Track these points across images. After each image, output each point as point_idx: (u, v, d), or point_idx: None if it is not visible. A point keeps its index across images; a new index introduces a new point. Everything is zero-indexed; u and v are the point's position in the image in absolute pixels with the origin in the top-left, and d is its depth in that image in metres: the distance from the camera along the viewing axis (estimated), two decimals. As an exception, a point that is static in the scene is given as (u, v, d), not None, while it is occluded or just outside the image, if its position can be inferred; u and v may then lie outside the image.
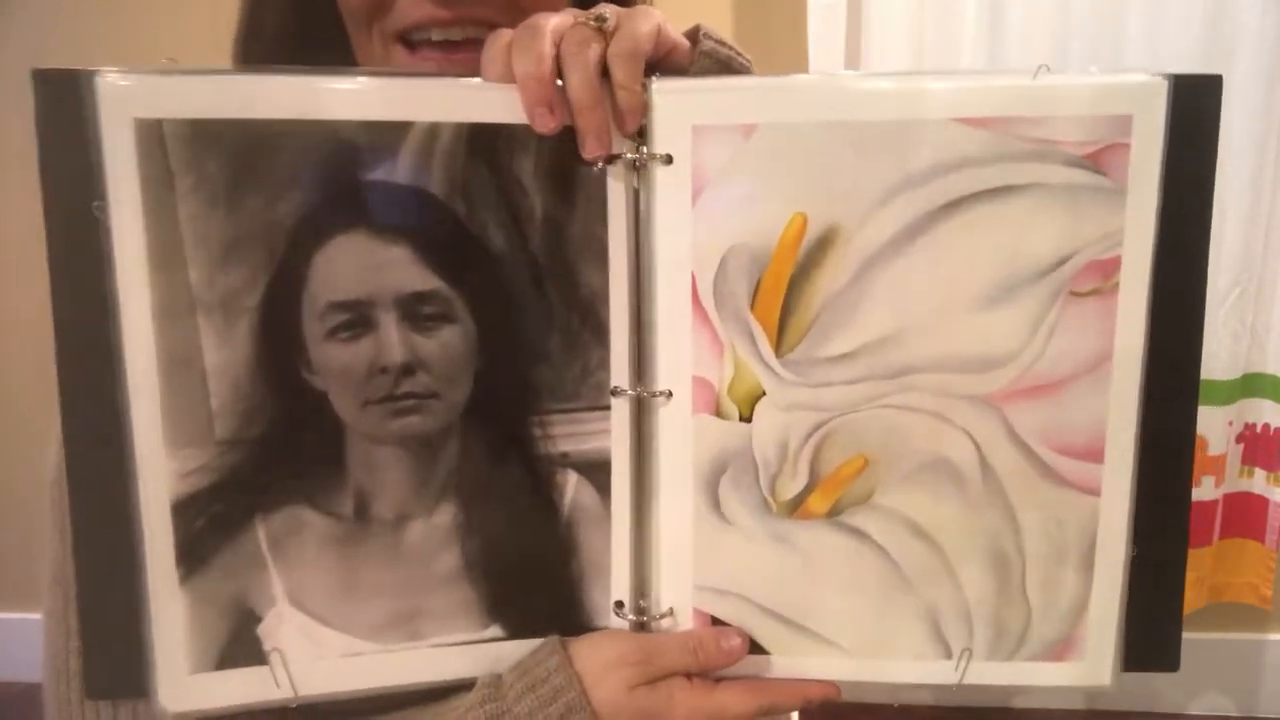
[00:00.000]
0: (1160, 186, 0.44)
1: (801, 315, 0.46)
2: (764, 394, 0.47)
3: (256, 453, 0.45)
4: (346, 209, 0.44)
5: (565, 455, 0.48)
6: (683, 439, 0.47)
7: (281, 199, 0.43)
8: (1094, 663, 0.48)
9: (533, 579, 0.49)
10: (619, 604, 0.49)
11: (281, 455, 0.45)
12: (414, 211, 0.45)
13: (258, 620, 0.46)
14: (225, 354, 0.43)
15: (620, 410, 0.47)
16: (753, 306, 0.46)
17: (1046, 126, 0.43)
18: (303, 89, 0.43)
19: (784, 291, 0.46)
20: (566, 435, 0.48)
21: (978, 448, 0.46)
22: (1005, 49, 1.24)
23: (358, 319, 0.45)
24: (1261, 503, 1.30)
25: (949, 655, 0.48)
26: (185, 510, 0.44)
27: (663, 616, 0.49)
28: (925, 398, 0.46)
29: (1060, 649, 0.48)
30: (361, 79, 0.45)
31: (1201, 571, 1.33)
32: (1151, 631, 0.49)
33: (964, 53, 1.25)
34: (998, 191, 0.44)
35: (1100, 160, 0.43)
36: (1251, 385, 1.26)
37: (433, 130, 0.44)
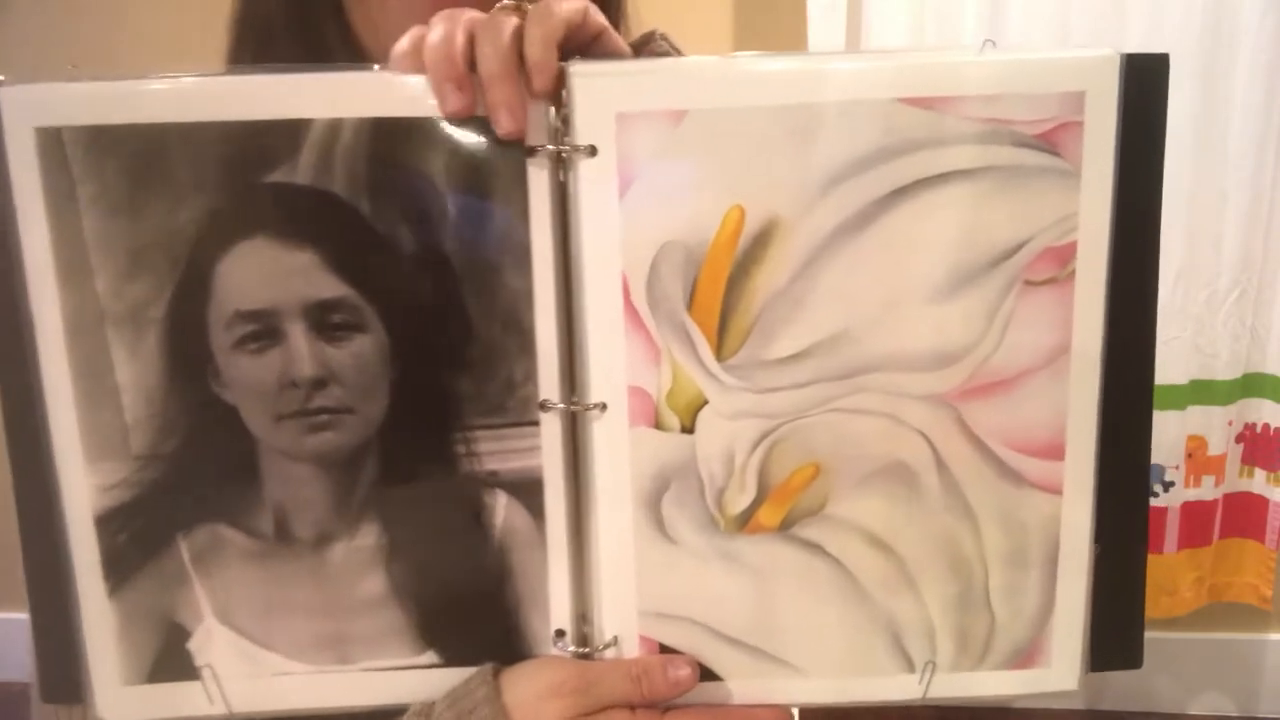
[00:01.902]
0: (1115, 168, 0.41)
1: (742, 316, 0.42)
2: (706, 402, 0.43)
3: (173, 468, 0.43)
4: (247, 214, 0.42)
5: (493, 474, 0.44)
6: (620, 455, 0.44)
7: (182, 205, 0.42)
8: (1060, 667, 0.46)
9: (466, 605, 0.45)
10: (559, 633, 0.45)
11: (197, 471, 0.44)
12: (317, 214, 0.42)
13: (187, 635, 0.45)
14: (136, 367, 0.43)
15: (551, 426, 0.44)
16: (690, 308, 0.42)
17: (996, 105, 0.40)
18: (197, 91, 0.41)
19: (723, 291, 0.42)
20: (493, 453, 0.44)
21: (933, 449, 0.43)
22: (1006, 50, 1.24)
23: (265, 330, 0.42)
24: (1261, 503, 1.29)
25: (911, 669, 0.46)
26: (108, 524, 0.44)
27: (606, 646, 0.45)
28: (877, 399, 0.43)
29: (1026, 655, 0.46)
30: (257, 77, 0.42)
31: (1201, 571, 1.32)
32: (1116, 630, 0.47)
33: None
34: (947, 176, 0.41)
35: (1053, 140, 0.41)
36: (1251, 385, 1.26)
37: (333, 127, 0.41)
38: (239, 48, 0.58)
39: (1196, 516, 1.29)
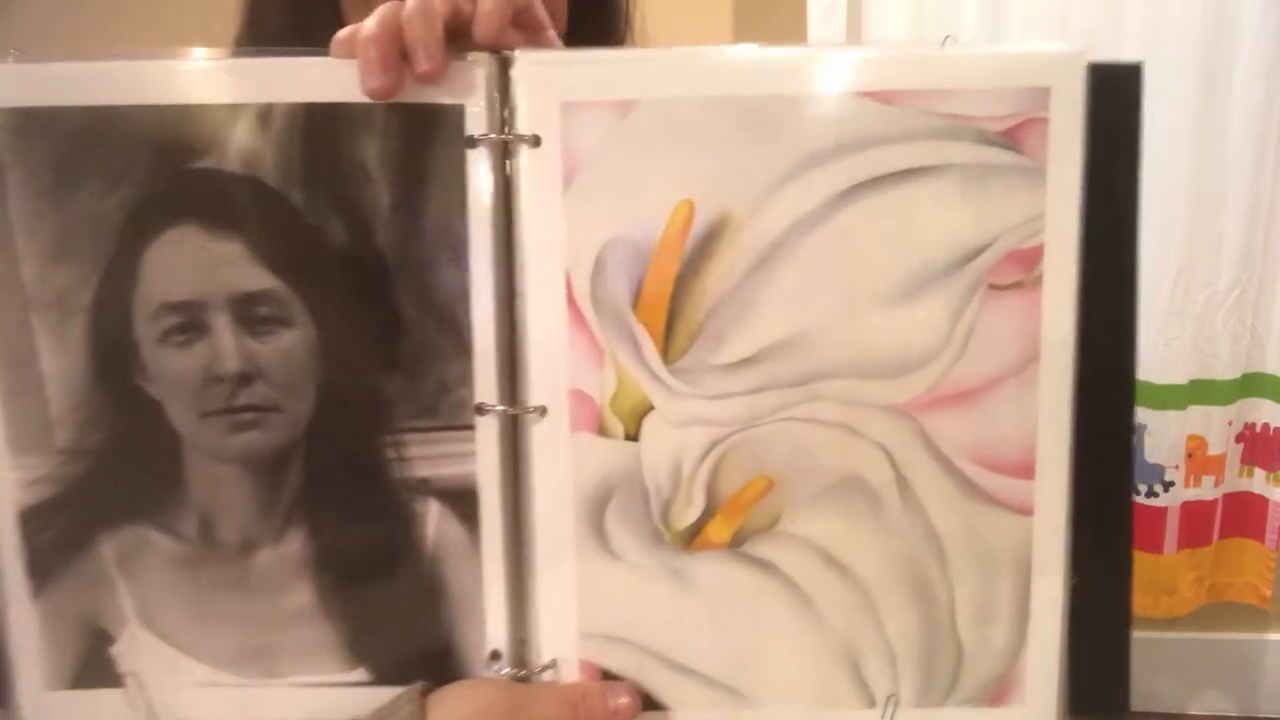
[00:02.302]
0: (1084, 169, 0.39)
1: (691, 317, 0.40)
2: (652, 408, 0.41)
3: (97, 465, 0.42)
4: (176, 201, 0.40)
5: (425, 481, 0.42)
6: (560, 463, 0.41)
7: (111, 191, 0.40)
8: (1035, 707, 0.42)
9: (397, 621, 0.43)
10: (494, 654, 0.42)
11: (122, 469, 0.42)
12: (246, 202, 0.40)
13: (111, 640, 0.43)
14: (61, 357, 0.41)
15: (486, 430, 0.41)
16: (635, 308, 0.40)
17: (958, 100, 0.38)
18: (128, 75, 0.40)
19: (670, 290, 0.40)
20: (425, 458, 0.42)
21: (894, 464, 0.41)
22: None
23: (190, 322, 0.41)
24: (1261, 502, 1.28)
25: (872, 703, 0.42)
26: (31, 521, 0.42)
27: (544, 669, 0.42)
28: (834, 408, 0.40)
29: (997, 692, 0.42)
30: (189, 61, 0.40)
31: (1201, 571, 1.30)
32: (1097, 669, 0.44)
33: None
34: (907, 173, 0.39)
35: (1017, 137, 0.39)
36: (1251, 385, 1.25)
37: (266, 113, 0.40)
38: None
39: (1196, 516, 1.27)
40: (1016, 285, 0.39)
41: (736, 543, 0.41)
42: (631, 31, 0.63)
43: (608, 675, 0.42)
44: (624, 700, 0.41)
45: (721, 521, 0.41)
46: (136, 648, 0.43)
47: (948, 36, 0.39)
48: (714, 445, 0.41)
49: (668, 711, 0.42)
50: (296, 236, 0.40)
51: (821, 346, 0.40)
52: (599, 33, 0.60)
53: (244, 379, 0.41)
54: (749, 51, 0.39)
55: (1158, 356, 1.21)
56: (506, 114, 0.40)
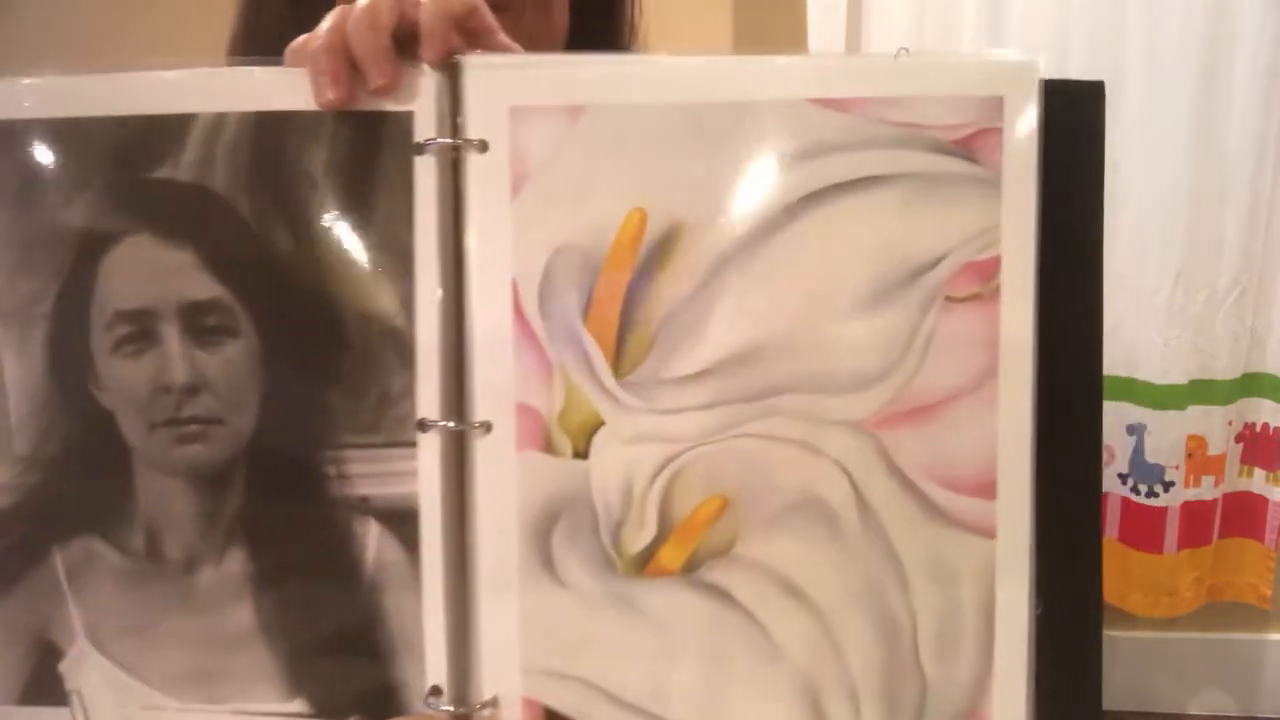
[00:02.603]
0: (1039, 178, 0.39)
1: (643, 329, 0.39)
2: (602, 424, 0.39)
3: (52, 474, 0.42)
4: (131, 211, 0.40)
5: (365, 500, 0.40)
6: (505, 482, 0.39)
7: (70, 201, 0.41)
8: (1003, 744, 0.40)
9: (337, 649, 0.41)
10: (434, 690, 0.40)
11: (75, 479, 0.41)
12: (197, 212, 0.40)
13: (60, 656, 0.42)
14: (22, 364, 0.41)
15: (428, 447, 0.39)
16: (586, 319, 0.39)
17: (911, 108, 0.38)
18: (87, 87, 0.40)
19: (621, 301, 0.39)
20: (366, 476, 0.40)
21: (853, 483, 0.39)
22: (1006, 53, 1.24)
23: (142, 331, 0.40)
24: (1261, 502, 1.28)
25: (832, 741, 0.40)
26: None
27: (483, 706, 0.39)
28: (790, 424, 0.39)
29: (963, 729, 0.40)
30: (143, 72, 0.40)
31: (1201, 571, 1.29)
32: (1069, 706, 0.42)
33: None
34: (861, 182, 0.38)
35: (971, 146, 0.38)
36: (1251, 385, 1.25)
37: (217, 122, 0.40)
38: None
39: (1196, 516, 1.26)
40: (974, 297, 0.39)
41: (690, 568, 0.39)
42: (636, 39, 0.63)
43: (551, 715, 0.40)
44: (569, 741, 0.39)
45: (674, 546, 0.39)
46: (83, 664, 0.42)
47: (901, 49, 0.39)
48: (667, 463, 0.39)
49: (617, 752, 0.39)
50: (242, 245, 0.40)
51: (777, 360, 0.39)
52: (604, 42, 0.60)
53: (190, 390, 0.40)
54: (700, 59, 0.39)
55: (1158, 356, 1.20)
56: (459, 120, 0.39)
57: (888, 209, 0.38)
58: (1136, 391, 1.23)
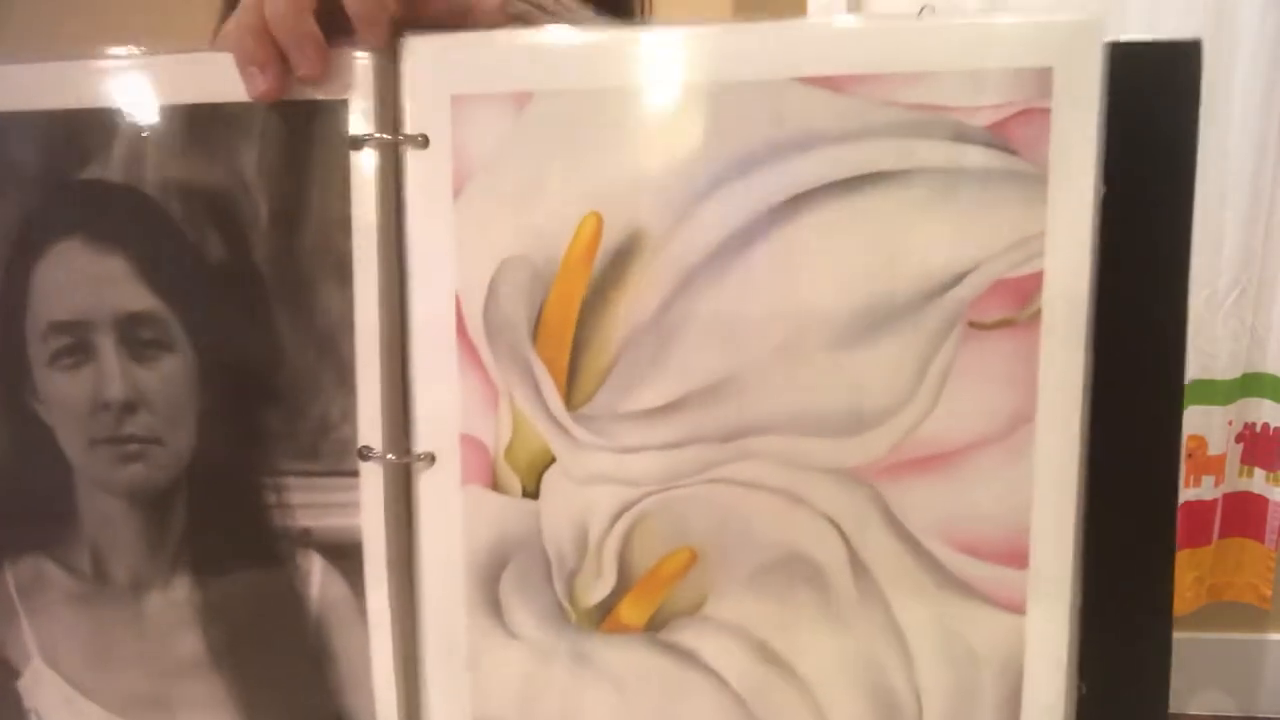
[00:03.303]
0: (1101, 170, 0.30)
1: (599, 353, 0.33)
2: (553, 460, 0.34)
3: (1, 490, 0.40)
4: (62, 214, 0.38)
5: (307, 532, 0.36)
6: (450, 520, 0.35)
7: (3, 204, 0.38)
8: None
9: (286, 682, 0.38)
10: (383, 736, 0.37)
11: (20, 497, 0.40)
12: (128, 216, 0.37)
13: (17, 675, 0.41)
14: None
15: (371, 478, 0.35)
16: (535, 341, 0.34)
17: (929, 86, 0.30)
18: (11, 78, 0.37)
19: (575, 320, 0.33)
20: (306, 506, 0.36)
21: (846, 541, 0.33)
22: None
23: (78, 343, 0.38)
24: (1261, 502, 1.28)
25: (822, 829, 0.34)
26: None
27: (434, 757, 0.36)
28: (772, 469, 0.33)
29: (979, 827, 0.34)
30: (68, 62, 0.37)
31: (1201, 571, 1.30)
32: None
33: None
34: (862, 180, 0.31)
35: (1008, 133, 0.30)
36: (1251, 385, 1.25)
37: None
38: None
39: (1196, 516, 1.26)
40: (1005, 324, 0.31)
41: (654, 627, 0.34)
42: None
43: (506, 769, 0.36)
44: (519, 804, 0.35)
45: (636, 600, 0.34)
46: (40, 684, 0.40)
47: (924, 6, 0.31)
48: (626, 508, 0.34)
49: (575, 818, 0.36)
50: (176, 253, 0.36)
51: (756, 394, 0.32)
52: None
53: (129, 407, 0.37)
54: (663, 32, 0.32)
55: None
56: (400, 111, 0.34)
57: (897, 213, 0.31)
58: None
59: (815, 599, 0.33)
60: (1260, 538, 1.30)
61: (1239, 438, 1.28)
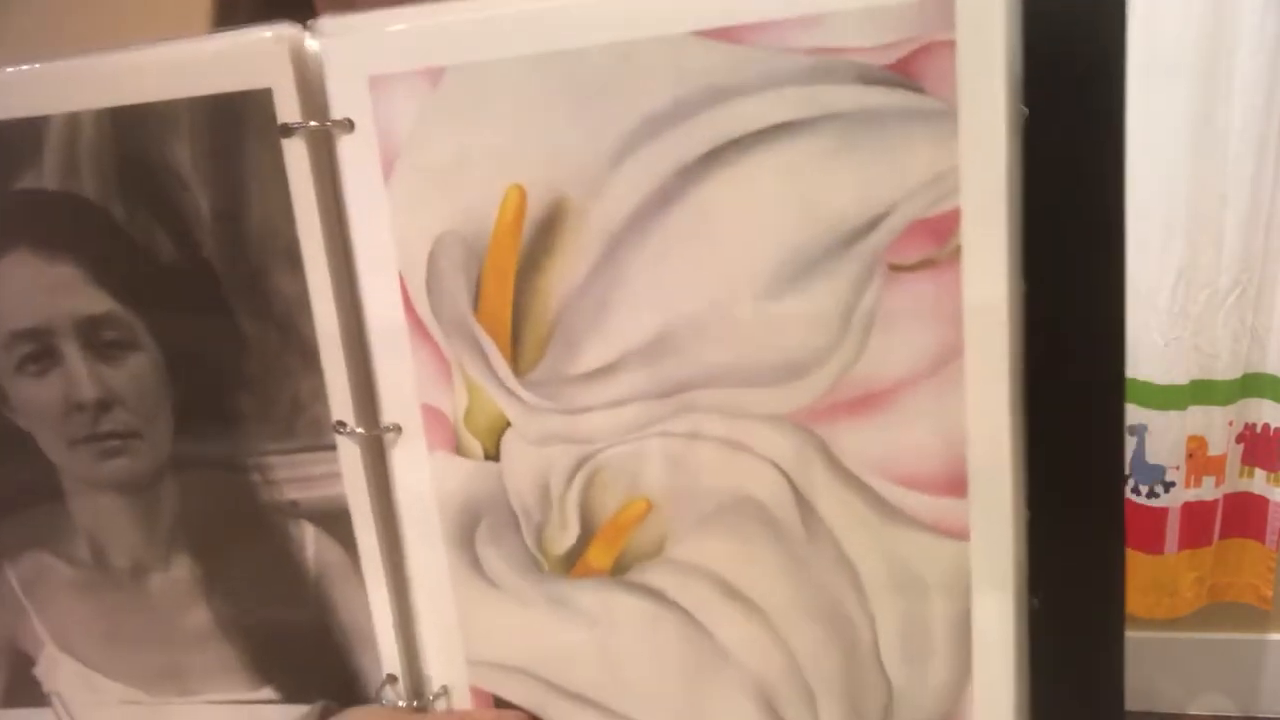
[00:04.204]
0: (1016, 96, 0.29)
1: (538, 320, 0.34)
2: (509, 424, 0.36)
3: None
4: (5, 226, 0.39)
5: (294, 504, 0.39)
6: (422, 484, 0.37)
7: None
8: (990, 750, 0.36)
9: (294, 642, 0.41)
10: (390, 678, 0.40)
11: (8, 500, 0.42)
12: (71, 222, 0.38)
13: (32, 662, 0.44)
14: None
15: (348, 450, 0.38)
16: (477, 311, 0.35)
17: (827, 29, 0.29)
18: None
19: (512, 290, 0.34)
20: (291, 480, 0.39)
21: (790, 483, 0.34)
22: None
23: (42, 350, 0.39)
24: (1262, 503, 1.27)
25: (793, 741, 0.37)
26: None
27: (436, 697, 0.39)
28: (713, 421, 0.34)
29: (942, 733, 0.36)
30: None
31: (1202, 571, 1.29)
32: (1078, 704, 0.36)
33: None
34: (771, 130, 0.31)
35: (912, 70, 0.29)
36: (1251, 385, 1.23)
37: (72, 122, 0.37)
38: None
39: (1197, 517, 1.26)
40: (926, 264, 0.31)
41: (620, 570, 0.36)
42: None
43: (500, 703, 0.39)
44: (514, 728, 0.38)
45: (601, 546, 0.36)
46: (56, 669, 0.43)
47: (824, -59, 0.30)
48: (581, 464, 0.35)
49: (569, 742, 0.39)
50: (125, 254, 0.38)
51: (689, 350, 0.33)
52: None
53: (103, 405, 0.39)
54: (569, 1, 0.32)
55: (1158, 357, 1.20)
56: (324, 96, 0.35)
57: (808, 162, 0.31)
58: (1137, 392, 1.22)
59: (767, 537, 0.35)
60: (1261, 538, 1.29)
61: (1239, 438, 1.27)
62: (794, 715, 0.36)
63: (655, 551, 0.36)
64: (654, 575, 0.36)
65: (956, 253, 0.30)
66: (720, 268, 0.32)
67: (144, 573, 0.42)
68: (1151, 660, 1.41)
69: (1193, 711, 1.44)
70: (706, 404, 0.34)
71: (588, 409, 0.35)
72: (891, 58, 0.29)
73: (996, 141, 0.29)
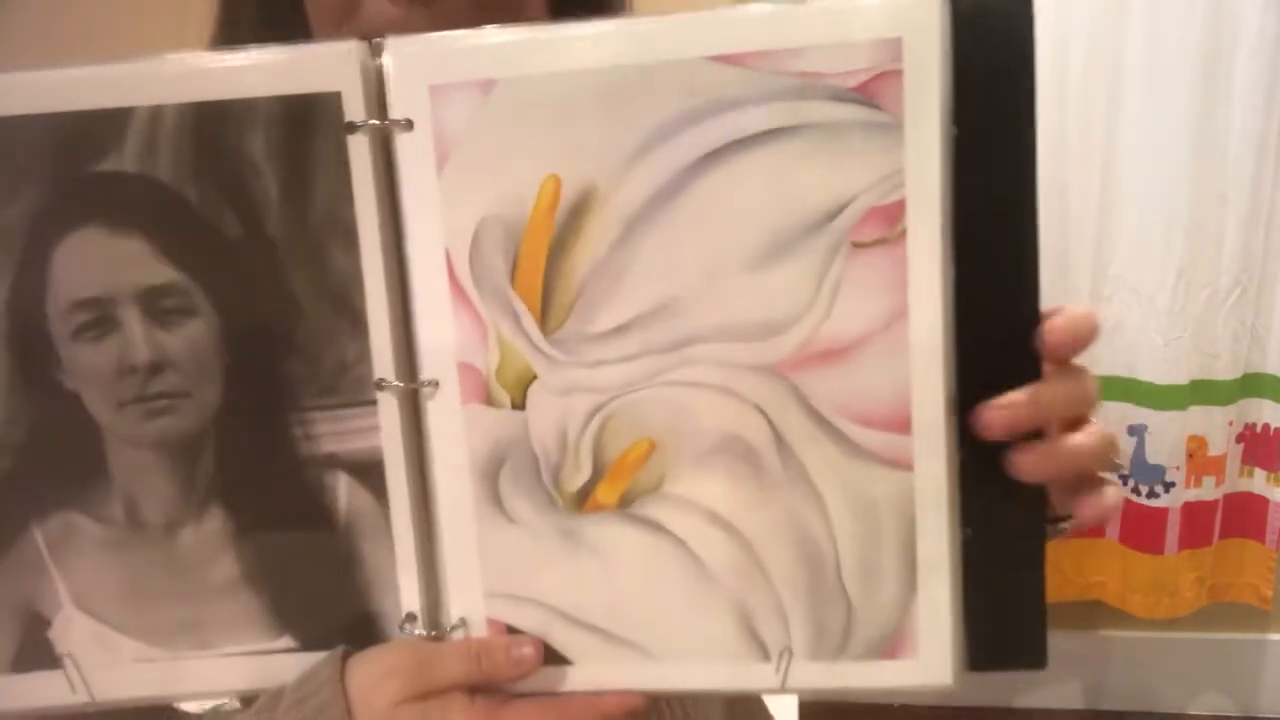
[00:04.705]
0: (951, 121, 0.38)
1: (565, 289, 0.41)
2: (535, 377, 0.42)
3: (23, 457, 0.44)
4: (78, 204, 0.43)
5: (332, 456, 0.44)
6: (455, 432, 0.43)
7: (14, 198, 0.43)
8: (930, 660, 0.43)
9: (317, 589, 0.46)
10: (410, 616, 0.45)
11: (47, 460, 0.45)
12: (144, 202, 0.43)
13: (47, 624, 0.45)
14: None
15: (387, 405, 0.43)
16: (513, 282, 0.42)
17: (807, 58, 0.38)
18: (21, 85, 0.42)
19: (544, 264, 0.41)
20: (330, 434, 0.44)
21: (770, 424, 0.41)
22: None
23: (101, 317, 0.43)
24: (1261, 503, 1.28)
25: (767, 657, 0.43)
26: None
27: (454, 629, 0.45)
28: (708, 371, 0.41)
29: (891, 646, 0.43)
30: (77, 69, 0.42)
31: (1202, 571, 1.31)
32: (1004, 624, 0.44)
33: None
34: (762, 136, 0.39)
35: (871, 91, 0.38)
36: (1251, 385, 1.25)
37: (155, 114, 0.42)
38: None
39: (1197, 517, 1.27)
40: (880, 242, 0.39)
41: (625, 504, 0.43)
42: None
43: (513, 631, 0.44)
44: (526, 651, 0.44)
45: (609, 484, 0.43)
46: (71, 629, 0.45)
47: (806, -8, 0.39)
48: (596, 411, 0.42)
49: (571, 665, 0.44)
50: (193, 231, 0.43)
51: (690, 313, 0.41)
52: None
53: (155, 368, 0.43)
54: (600, 26, 0.40)
55: (1158, 356, 1.21)
56: (386, 99, 0.42)
57: (789, 161, 0.39)
58: (1137, 392, 1.22)
59: (750, 472, 0.42)
60: (1261, 538, 1.30)
61: (1239, 438, 1.27)
62: (769, 630, 0.43)
63: (655, 487, 0.43)
64: (653, 508, 0.43)
65: (903, 234, 0.39)
66: (716, 245, 0.40)
67: (176, 528, 0.44)
68: (1151, 660, 1.43)
69: (1193, 711, 1.44)
70: (703, 357, 0.41)
71: (604, 363, 0.42)
72: (856, 81, 0.38)
73: (933, 148, 0.38)
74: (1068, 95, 1.18)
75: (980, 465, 0.42)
